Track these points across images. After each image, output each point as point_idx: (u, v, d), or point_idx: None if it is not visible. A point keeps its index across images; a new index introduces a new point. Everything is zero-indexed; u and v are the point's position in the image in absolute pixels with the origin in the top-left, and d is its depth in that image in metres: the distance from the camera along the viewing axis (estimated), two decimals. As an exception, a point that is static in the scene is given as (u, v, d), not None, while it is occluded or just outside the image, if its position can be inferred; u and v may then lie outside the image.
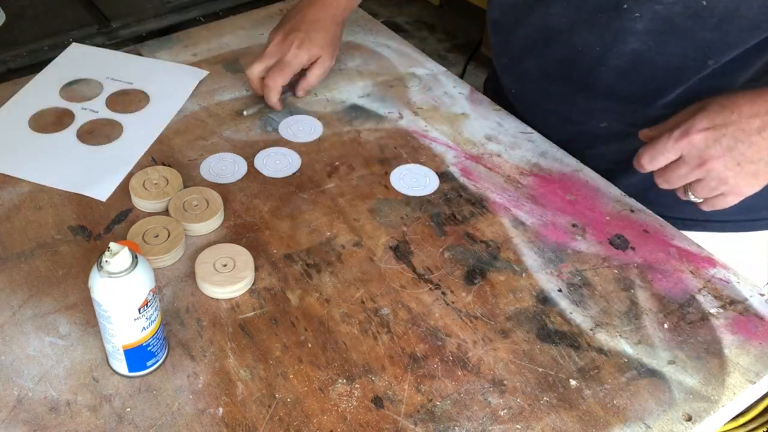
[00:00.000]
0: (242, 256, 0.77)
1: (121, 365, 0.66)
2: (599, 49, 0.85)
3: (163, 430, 0.63)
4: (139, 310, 0.62)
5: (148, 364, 0.66)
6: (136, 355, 0.65)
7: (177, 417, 0.64)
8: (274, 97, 0.98)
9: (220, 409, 0.65)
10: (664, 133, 0.76)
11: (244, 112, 0.98)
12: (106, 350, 0.66)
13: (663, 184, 0.78)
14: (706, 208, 0.78)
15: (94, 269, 0.60)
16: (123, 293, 0.61)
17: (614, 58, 0.84)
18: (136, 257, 0.61)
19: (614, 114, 0.90)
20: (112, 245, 0.60)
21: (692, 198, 0.78)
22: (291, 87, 1.01)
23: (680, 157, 0.75)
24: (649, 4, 0.79)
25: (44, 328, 0.71)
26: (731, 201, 0.76)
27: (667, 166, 0.76)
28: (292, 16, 1.01)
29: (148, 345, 0.65)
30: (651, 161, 0.76)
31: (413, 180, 0.89)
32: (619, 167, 0.92)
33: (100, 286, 0.60)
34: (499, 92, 1.09)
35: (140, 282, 0.61)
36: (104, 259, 0.60)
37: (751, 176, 0.73)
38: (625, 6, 0.80)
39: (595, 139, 0.95)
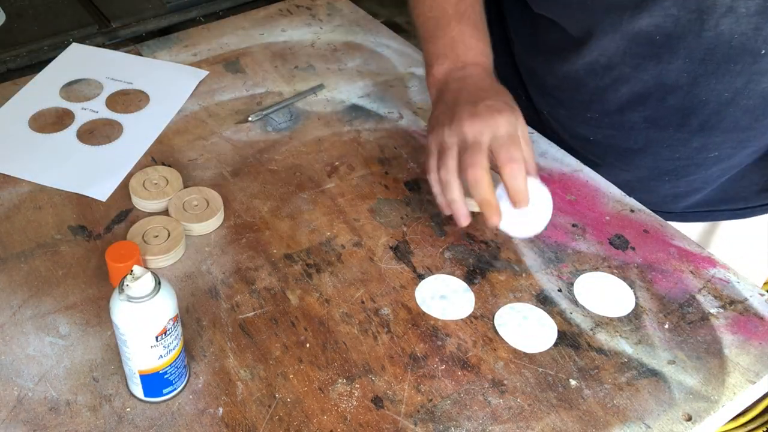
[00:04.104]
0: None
1: (137, 389, 0.64)
2: (728, 95, 0.81)
3: (163, 430, 0.63)
4: (157, 338, 0.60)
5: (165, 391, 0.65)
6: (152, 382, 0.63)
7: (177, 417, 0.64)
8: (494, 211, 0.73)
9: (220, 409, 0.65)
10: None
11: (250, 118, 0.98)
12: (125, 371, 0.65)
13: None
14: None
15: (116, 291, 0.59)
16: (141, 319, 0.59)
17: (744, 100, 0.81)
18: (159, 283, 0.59)
19: (730, 143, 0.87)
20: (136, 269, 0.58)
21: None
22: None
23: None
24: None
25: (44, 328, 0.71)
26: None
27: None
28: (454, 99, 0.77)
29: (165, 373, 0.63)
30: None
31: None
32: (707, 186, 0.93)
33: (118, 309, 0.59)
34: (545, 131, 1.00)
35: (160, 310, 0.59)
36: (125, 282, 0.58)
37: None
38: (764, 51, 0.76)
39: (698, 168, 0.91)
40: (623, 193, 0.89)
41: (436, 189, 0.77)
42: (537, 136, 0.97)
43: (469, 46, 0.82)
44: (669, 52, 0.79)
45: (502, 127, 0.73)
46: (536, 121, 1.01)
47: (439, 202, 0.78)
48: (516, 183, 0.72)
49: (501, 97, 0.77)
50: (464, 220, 0.76)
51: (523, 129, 0.75)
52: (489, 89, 0.78)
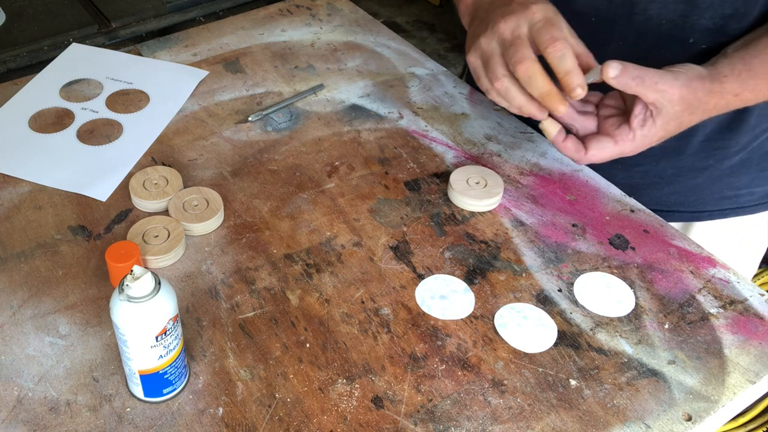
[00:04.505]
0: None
1: (137, 389, 0.64)
2: None
3: (163, 430, 0.63)
4: (157, 338, 0.60)
5: (165, 391, 0.65)
6: (153, 382, 0.63)
7: (177, 417, 0.64)
8: (557, 99, 0.70)
9: (220, 409, 0.65)
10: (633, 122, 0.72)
11: (250, 118, 0.98)
12: (125, 371, 0.65)
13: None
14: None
15: (116, 291, 0.59)
16: (141, 319, 0.59)
17: None
18: (159, 283, 0.59)
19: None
20: (136, 269, 0.58)
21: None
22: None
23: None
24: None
25: (44, 328, 0.71)
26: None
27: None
28: (487, 9, 0.74)
29: (165, 373, 0.63)
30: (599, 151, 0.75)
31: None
32: (661, 181, 0.94)
33: (118, 309, 0.59)
34: None
35: (160, 310, 0.59)
36: (125, 282, 0.58)
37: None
38: (692, 40, 0.77)
39: (644, 157, 0.87)
40: (623, 193, 0.89)
41: (502, 103, 0.74)
42: (537, 135, 0.97)
43: None
44: (604, 34, 0.81)
45: (538, 13, 0.69)
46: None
47: (514, 111, 0.75)
48: (564, 63, 0.67)
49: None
50: (541, 115, 0.73)
51: (560, 17, 0.70)
52: None
